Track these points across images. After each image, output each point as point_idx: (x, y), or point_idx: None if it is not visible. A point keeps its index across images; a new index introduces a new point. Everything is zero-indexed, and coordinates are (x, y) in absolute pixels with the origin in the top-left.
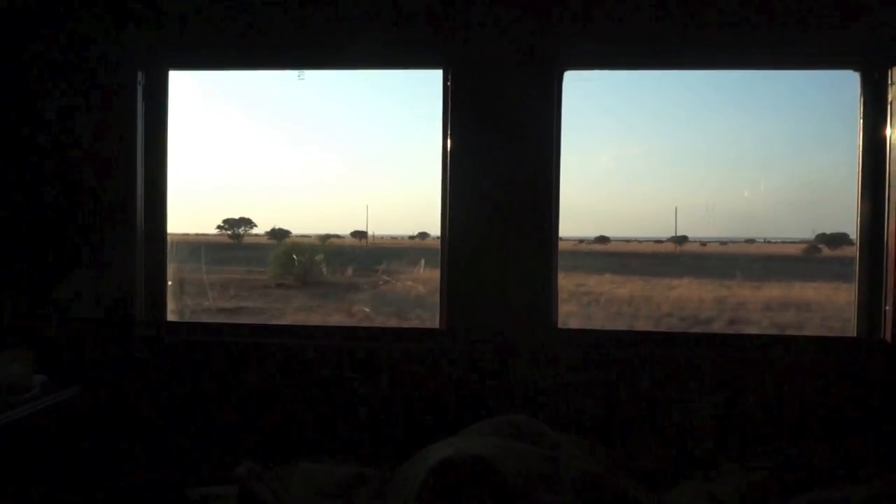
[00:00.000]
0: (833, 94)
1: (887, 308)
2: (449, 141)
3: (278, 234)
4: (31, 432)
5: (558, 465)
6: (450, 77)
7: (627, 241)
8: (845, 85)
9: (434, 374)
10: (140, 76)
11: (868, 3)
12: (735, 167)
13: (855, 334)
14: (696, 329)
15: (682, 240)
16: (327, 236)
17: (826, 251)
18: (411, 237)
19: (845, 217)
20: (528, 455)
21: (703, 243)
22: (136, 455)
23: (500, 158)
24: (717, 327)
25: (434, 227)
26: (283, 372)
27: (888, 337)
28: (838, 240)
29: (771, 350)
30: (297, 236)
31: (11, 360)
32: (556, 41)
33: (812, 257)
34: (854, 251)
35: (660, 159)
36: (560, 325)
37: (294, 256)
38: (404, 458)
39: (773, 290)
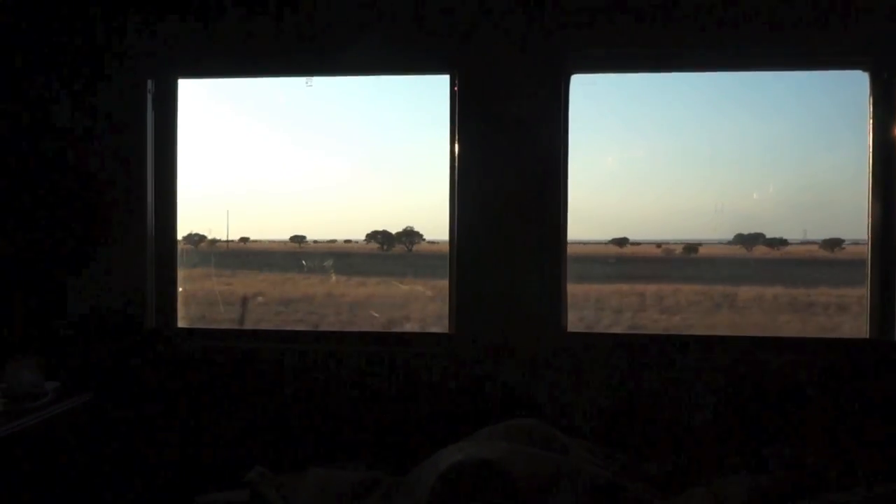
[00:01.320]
0: (840, 94)
1: None
2: (456, 145)
3: (193, 239)
4: (44, 439)
5: (569, 469)
6: (457, 82)
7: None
8: (852, 85)
9: (443, 379)
10: (150, 84)
11: (876, 3)
12: (741, 168)
13: (867, 336)
14: None
15: (623, 241)
16: (214, 240)
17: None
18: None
19: (854, 218)
20: (538, 459)
21: (659, 245)
22: (146, 461)
23: (508, 162)
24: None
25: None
26: (294, 377)
27: None
28: (753, 239)
29: (782, 352)
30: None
31: (23, 367)
32: (564, 45)
33: (671, 257)
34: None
35: (665, 161)
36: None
37: None
38: (414, 463)
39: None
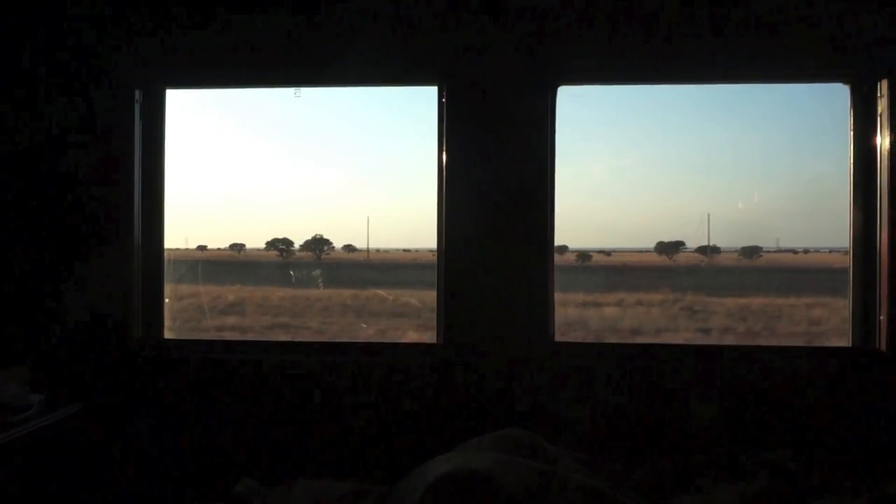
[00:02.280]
0: (826, 104)
1: (882, 318)
2: (445, 155)
3: None
4: (30, 452)
5: (557, 478)
6: (445, 93)
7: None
8: (837, 96)
9: (432, 389)
10: (138, 95)
11: (857, 20)
12: (731, 177)
13: (851, 344)
14: None
15: (563, 249)
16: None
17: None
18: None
19: (840, 226)
20: (528, 469)
21: (609, 252)
22: (133, 473)
23: (496, 173)
24: None
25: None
26: (281, 389)
27: (883, 346)
28: (674, 247)
29: (768, 360)
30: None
31: (8, 380)
32: (550, 57)
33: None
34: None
35: (653, 169)
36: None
37: None
38: (403, 474)
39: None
